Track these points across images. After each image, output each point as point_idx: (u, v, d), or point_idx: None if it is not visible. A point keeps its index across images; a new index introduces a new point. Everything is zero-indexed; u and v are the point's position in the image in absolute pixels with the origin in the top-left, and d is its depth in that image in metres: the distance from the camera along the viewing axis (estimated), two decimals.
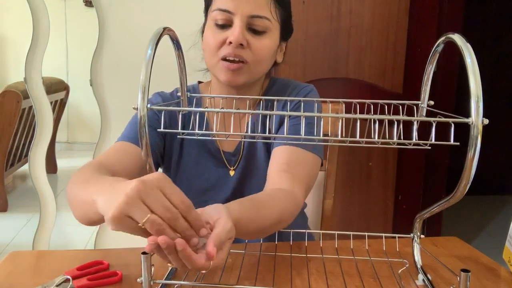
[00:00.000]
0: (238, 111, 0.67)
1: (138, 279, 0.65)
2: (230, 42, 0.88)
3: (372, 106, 0.69)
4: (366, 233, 0.88)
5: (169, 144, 1.01)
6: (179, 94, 0.83)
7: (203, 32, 0.98)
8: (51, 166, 2.51)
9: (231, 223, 0.61)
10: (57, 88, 2.40)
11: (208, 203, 0.97)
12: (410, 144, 0.62)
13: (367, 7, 1.92)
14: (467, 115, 0.55)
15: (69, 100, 2.56)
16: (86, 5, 2.32)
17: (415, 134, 0.61)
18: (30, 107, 2.21)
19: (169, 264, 0.59)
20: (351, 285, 0.74)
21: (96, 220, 0.70)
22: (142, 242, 0.61)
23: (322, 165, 0.99)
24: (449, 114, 0.60)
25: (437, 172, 2.16)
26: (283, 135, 0.70)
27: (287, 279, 0.75)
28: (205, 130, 0.88)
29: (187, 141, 1.00)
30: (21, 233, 2.29)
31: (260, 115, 0.96)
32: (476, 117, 0.54)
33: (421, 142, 0.61)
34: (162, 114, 0.77)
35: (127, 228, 0.57)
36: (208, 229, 0.60)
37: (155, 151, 0.97)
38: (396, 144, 0.62)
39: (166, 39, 0.67)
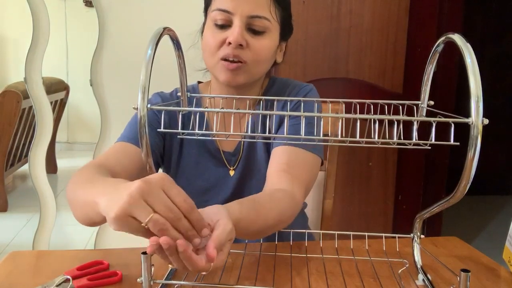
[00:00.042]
0: (238, 111, 0.67)
1: (138, 279, 0.65)
2: (230, 43, 0.88)
3: (372, 106, 0.69)
4: (366, 233, 0.87)
5: (169, 144, 1.01)
6: (179, 94, 0.83)
7: (202, 31, 0.98)
8: (51, 166, 2.51)
9: (231, 225, 0.61)
10: (57, 88, 2.40)
11: (208, 203, 0.97)
12: (410, 144, 0.62)
13: (367, 7, 1.92)
14: (467, 115, 0.55)
15: (69, 100, 2.56)
16: (86, 5, 2.32)
17: (415, 134, 0.61)
18: (30, 107, 2.21)
19: (169, 265, 0.59)
20: (351, 285, 0.74)
21: (97, 221, 0.70)
22: (142, 242, 0.61)
23: (322, 164, 0.99)
24: (449, 114, 0.60)
25: (437, 172, 2.16)
26: (283, 135, 0.70)
27: (287, 279, 0.75)
28: (205, 130, 0.88)
29: (187, 141, 1.00)
30: (21, 233, 2.29)
31: (260, 115, 0.96)
32: (476, 117, 0.54)
33: (421, 142, 0.61)
34: (162, 114, 0.77)
35: (129, 228, 0.57)
36: (209, 230, 0.60)
37: (154, 151, 0.97)
38: (396, 144, 0.62)
39: (166, 39, 0.67)
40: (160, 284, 0.71)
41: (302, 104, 0.76)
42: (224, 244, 0.60)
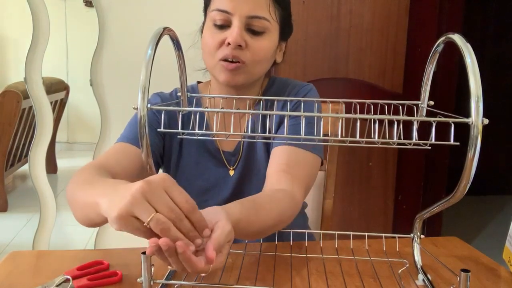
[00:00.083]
0: (238, 111, 0.67)
1: (138, 279, 0.65)
2: (229, 43, 0.88)
3: (372, 106, 0.69)
4: (366, 233, 0.87)
5: (169, 145, 1.01)
6: (179, 94, 0.83)
7: (202, 31, 0.98)
8: (51, 166, 2.51)
9: (230, 226, 0.61)
10: (57, 88, 2.40)
11: (208, 202, 0.97)
12: (410, 144, 0.62)
13: (367, 7, 1.92)
14: (467, 115, 0.55)
15: (69, 100, 2.56)
16: (86, 5, 2.31)
17: (415, 134, 0.61)
18: (30, 107, 2.21)
19: (169, 267, 0.59)
20: (351, 285, 0.74)
21: (98, 222, 0.70)
22: (142, 242, 0.61)
23: (322, 164, 0.99)
24: (449, 114, 0.60)
25: (437, 172, 2.16)
26: (283, 135, 0.70)
27: (287, 279, 0.75)
28: (205, 130, 0.88)
29: (186, 141, 1.00)
30: (21, 233, 2.29)
31: (260, 114, 0.96)
32: (476, 117, 0.54)
33: (421, 142, 0.61)
34: (162, 114, 0.77)
35: (131, 228, 0.57)
36: (209, 231, 0.60)
37: (154, 152, 0.97)
38: (396, 144, 0.62)
39: (166, 39, 0.67)
40: (160, 284, 0.71)
41: (302, 104, 0.76)
42: (223, 246, 0.60)
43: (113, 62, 1.82)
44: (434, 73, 0.74)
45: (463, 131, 0.59)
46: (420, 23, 1.94)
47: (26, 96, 1.91)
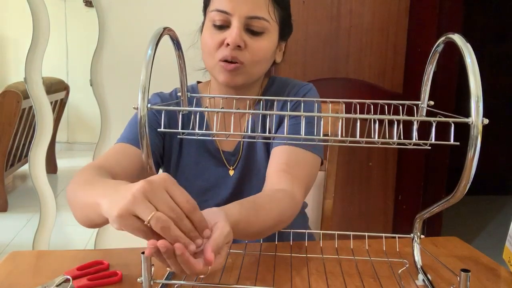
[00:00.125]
0: (238, 111, 0.67)
1: (138, 279, 0.65)
2: (228, 44, 0.88)
3: (372, 106, 0.69)
4: (366, 233, 0.87)
5: (169, 145, 1.01)
6: (179, 94, 0.83)
7: (202, 31, 0.98)
8: (51, 166, 2.51)
9: (228, 228, 0.61)
10: (57, 88, 2.40)
11: (208, 202, 0.97)
12: (410, 144, 0.62)
13: (367, 7, 1.92)
14: (467, 115, 0.55)
15: (69, 100, 2.56)
16: (86, 5, 2.31)
17: (415, 134, 0.61)
18: (30, 107, 2.21)
19: (168, 268, 0.60)
20: (351, 285, 0.74)
21: (98, 223, 0.70)
22: (142, 242, 0.61)
23: (322, 164, 0.99)
24: (449, 114, 0.60)
25: (437, 172, 2.16)
26: (283, 135, 0.70)
27: (287, 279, 0.75)
28: (205, 130, 0.88)
29: (186, 141, 1.00)
30: (21, 233, 2.29)
31: (260, 114, 0.96)
32: (476, 117, 0.54)
33: (421, 142, 0.61)
34: (162, 115, 0.77)
35: (132, 227, 0.57)
36: (210, 231, 0.60)
37: (154, 152, 0.97)
38: (396, 144, 0.62)
39: (166, 39, 0.67)
40: (160, 284, 0.71)
41: (302, 103, 0.76)
42: (222, 247, 0.60)
43: (113, 62, 1.82)
44: (434, 73, 0.74)
45: (463, 131, 0.59)
46: (420, 23, 1.94)
47: (26, 96, 1.91)
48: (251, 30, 0.90)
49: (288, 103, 0.97)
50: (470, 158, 0.56)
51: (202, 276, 0.67)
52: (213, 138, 0.97)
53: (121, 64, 1.81)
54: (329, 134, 1.12)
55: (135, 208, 0.56)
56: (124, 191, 0.58)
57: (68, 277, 0.73)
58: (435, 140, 0.60)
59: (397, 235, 0.87)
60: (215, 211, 0.64)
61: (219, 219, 0.62)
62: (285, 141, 0.91)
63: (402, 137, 0.62)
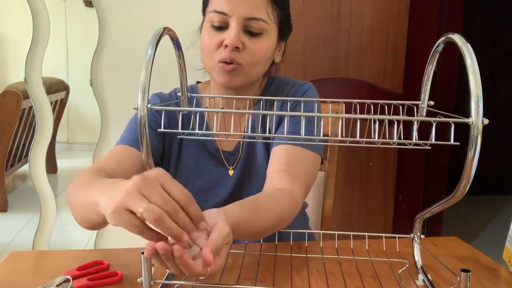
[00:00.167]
0: (238, 111, 0.67)
1: (138, 279, 0.65)
2: (226, 45, 0.88)
3: (372, 106, 0.69)
4: (366, 233, 0.87)
5: (168, 145, 1.01)
6: (178, 94, 0.82)
7: (201, 31, 0.98)
8: (51, 166, 2.52)
9: (228, 229, 0.61)
10: (57, 88, 2.40)
11: (208, 202, 0.97)
12: (410, 144, 0.62)
13: (367, 7, 1.92)
14: (467, 115, 0.55)
15: (69, 100, 2.56)
16: (86, 5, 2.32)
17: (415, 134, 0.61)
18: (30, 107, 2.22)
19: (167, 270, 0.60)
20: (351, 285, 0.74)
21: (98, 223, 0.70)
22: (142, 242, 0.61)
23: (322, 163, 0.99)
24: (449, 114, 0.60)
25: (437, 172, 2.16)
26: (282, 135, 0.70)
27: (287, 279, 0.75)
28: (205, 130, 0.88)
29: (186, 141, 1.00)
30: (21, 233, 2.29)
31: (260, 114, 0.96)
32: (476, 117, 0.54)
33: (421, 142, 0.61)
34: (162, 115, 0.77)
35: (125, 222, 0.57)
36: (207, 231, 0.60)
37: (154, 153, 0.97)
38: (396, 144, 0.62)
39: (166, 39, 0.67)
40: (160, 284, 0.71)
41: (301, 102, 0.76)
42: (221, 248, 0.60)
43: (113, 62, 1.81)
44: (434, 73, 0.74)
45: (463, 131, 0.59)
46: (420, 23, 1.94)
47: (26, 96, 1.91)
48: (249, 31, 0.90)
49: (288, 102, 0.97)
50: (470, 158, 0.56)
51: (201, 278, 0.67)
52: (213, 138, 0.97)
53: (121, 64, 1.81)
54: (329, 134, 1.12)
55: (128, 203, 0.55)
56: (119, 187, 0.58)
57: (68, 277, 0.73)
58: (435, 140, 0.60)
59: (397, 235, 0.87)
60: (215, 212, 0.64)
61: (218, 220, 0.62)
62: (285, 141, 0.91)
63: (402, 137, 0.62)
